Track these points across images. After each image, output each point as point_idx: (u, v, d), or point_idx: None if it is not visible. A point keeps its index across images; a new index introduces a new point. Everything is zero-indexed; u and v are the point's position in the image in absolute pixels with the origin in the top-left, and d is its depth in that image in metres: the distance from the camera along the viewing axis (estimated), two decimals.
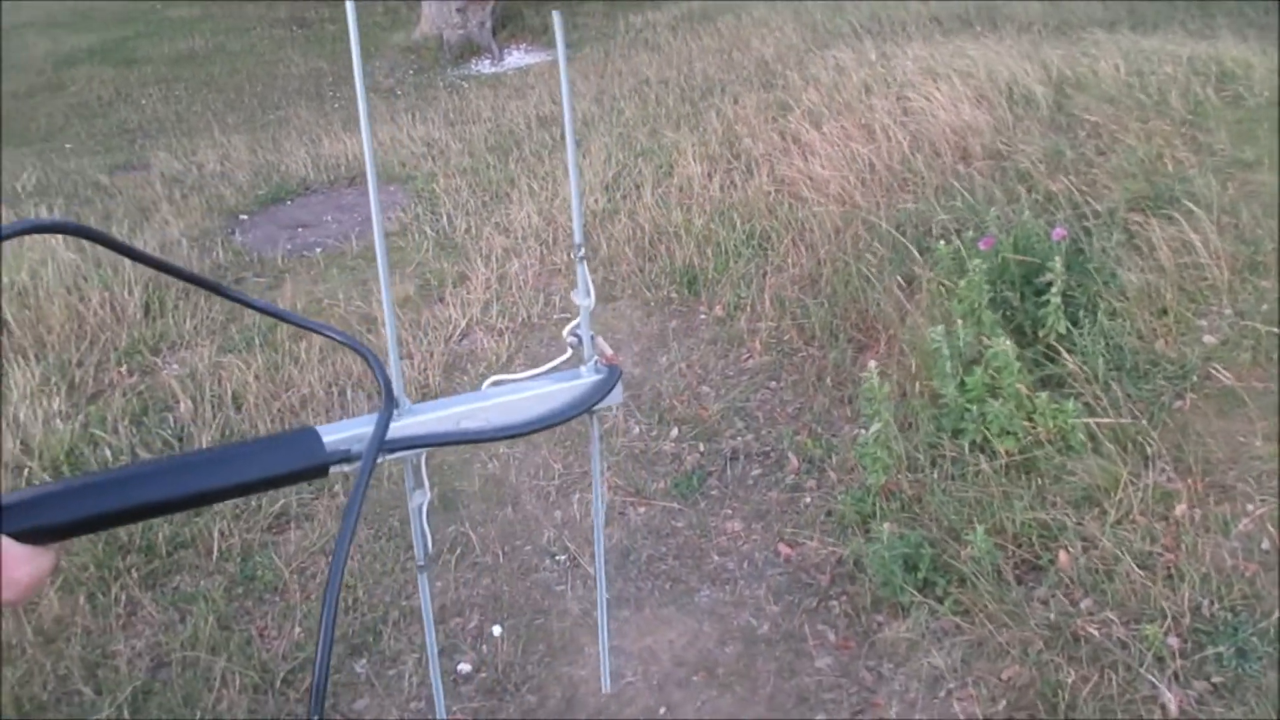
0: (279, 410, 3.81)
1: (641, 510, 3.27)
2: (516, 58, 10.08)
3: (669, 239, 4.67)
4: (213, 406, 3.80)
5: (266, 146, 7.23)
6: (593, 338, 0.68)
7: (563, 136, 6.54)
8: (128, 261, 4.99)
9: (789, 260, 4.31)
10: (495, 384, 0.66)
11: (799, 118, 5.52)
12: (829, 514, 3.08)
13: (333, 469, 0.59)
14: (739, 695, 2.60)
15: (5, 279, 4.61)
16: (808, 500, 3.18)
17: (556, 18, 0.61)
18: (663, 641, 2.79)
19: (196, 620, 2.93)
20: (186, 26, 12.32)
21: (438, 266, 4.89)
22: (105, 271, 4.80)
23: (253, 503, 3.38)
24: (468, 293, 4.57)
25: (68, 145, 8.15)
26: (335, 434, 0.59)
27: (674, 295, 4.38)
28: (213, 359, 4.16)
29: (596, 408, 0.67)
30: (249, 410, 3.79)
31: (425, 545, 0.68)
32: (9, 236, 0.48)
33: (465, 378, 4.02)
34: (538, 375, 0.68)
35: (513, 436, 0.65)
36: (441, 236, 5.28)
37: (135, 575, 3.09)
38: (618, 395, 0.68)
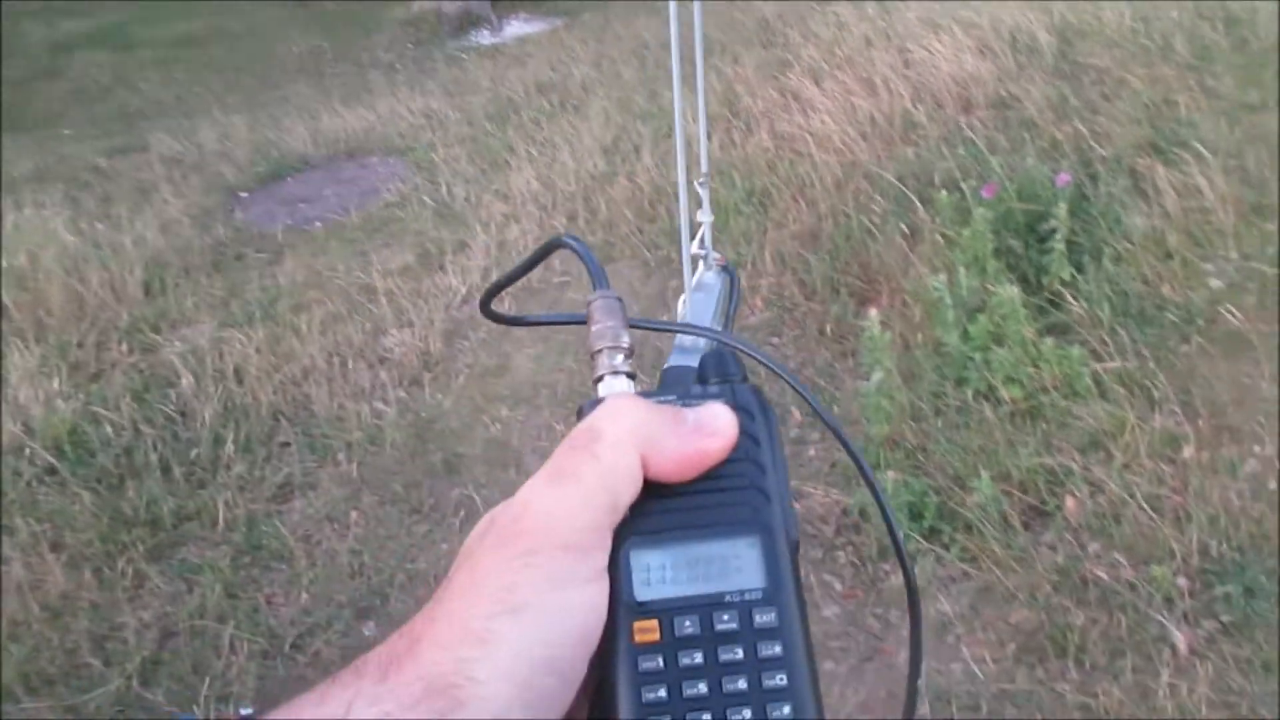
0: (280, 382, 3.80)
1: None
2: (515, 27, 9.99)
3: (668, 199, 4.63)
4: (214, 381, 3.79)
5: (266, 124, 7.19)
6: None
7: (561, 103, 6.49)
8: (128, 241, 4.99)
9: (789, 216, 4.27)
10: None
11: (799, 74, 5.46)
12: (833, 466, 3.05)
13: None
14: None
15: (5, 263, 4.61)
16: (811, 453, 3.15)
17: None
18: None
19: (204, 590, 2.94)
20: (185, 9, 12.25)
21: (437, 235, 4.87)
22: (104, 252, 4.80)
23: (256, 473, 3.38)
24: (468, 260, 4.55)
25: (66, 131, 8.13)
26: None
27: (674, 255, 4.34)
28: (214, 334, 4.15)
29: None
30: (250, 383, 3.78)
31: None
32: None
33: (466, 343, 4.00)
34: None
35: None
36: (441, 205, 5.25)
37: (141, 549, 3.10)
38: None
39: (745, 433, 0.43)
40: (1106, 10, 5.41)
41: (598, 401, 0.43)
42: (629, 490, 0.40)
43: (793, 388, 0.48)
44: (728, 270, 0.77)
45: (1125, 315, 3.31)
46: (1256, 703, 2.14)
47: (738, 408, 0.43)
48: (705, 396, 0.44)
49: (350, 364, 3.89)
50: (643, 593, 0.40)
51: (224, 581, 2.97)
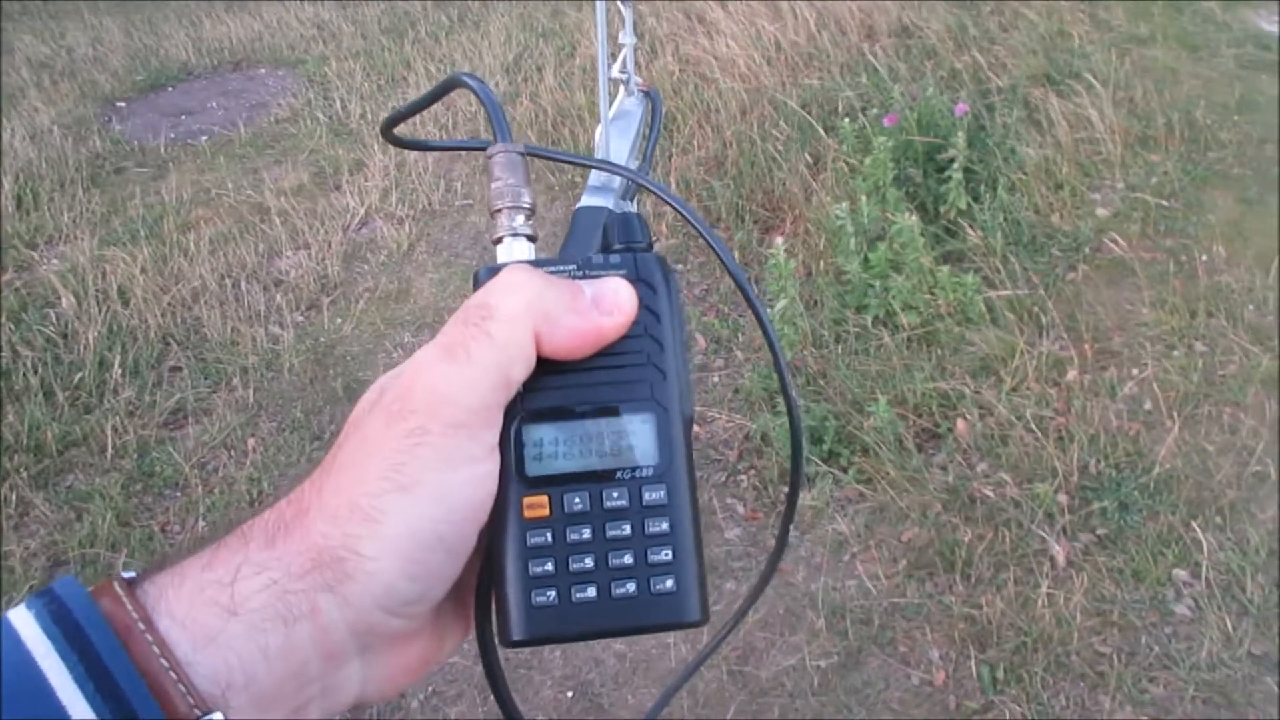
0: (169, 304, 3.65)
1: None
2: None
3: (572, 121, 4.56)
4: (98, 302, 3.62)
5: (143, 29, 6.77)
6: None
7: (460, 17, 6.28)
8: None
9: (694, 142, 4.25)
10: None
11: None
12: (736, 391, 3.11)
13: None
14: None
15: None
16: (715, 379, 3.20)
17: None
18: None
19: (94, 518, 2.84)
20: None
21: (333, 154, 4.70)
22: None
23: (146, 398, 3.27)
24: (365, 180, 4.41)
25: None
26: None
27: (578, 179, 4.29)
28: (95, 252, 3.95)
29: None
30: (137, 305, 3.62)
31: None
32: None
33: (366, 266, 3.90)
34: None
35: None
36: (335, 122, 5.06)
37: (24, 475, 2.97)
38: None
39: (645, 306, 0.41)
40: None
41: (495, 269, 0.41)
42: (521, 368, 0.39)
43: (694, 227, 0.47)
44: (650, 96, 0.74)
45: (1017, 244, 3.43)
46: (1127, 609, 2.30)
47: (639, 280, 0.42)
48: (606, 267, 0.42)
49: (243, 286, 3.76)
50: (534, 468, 0.40)
51: (115, 509, 2.88)
